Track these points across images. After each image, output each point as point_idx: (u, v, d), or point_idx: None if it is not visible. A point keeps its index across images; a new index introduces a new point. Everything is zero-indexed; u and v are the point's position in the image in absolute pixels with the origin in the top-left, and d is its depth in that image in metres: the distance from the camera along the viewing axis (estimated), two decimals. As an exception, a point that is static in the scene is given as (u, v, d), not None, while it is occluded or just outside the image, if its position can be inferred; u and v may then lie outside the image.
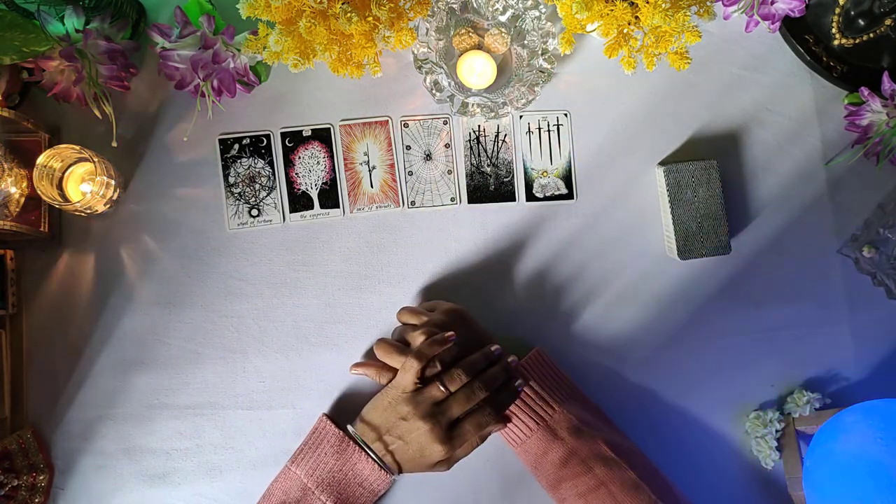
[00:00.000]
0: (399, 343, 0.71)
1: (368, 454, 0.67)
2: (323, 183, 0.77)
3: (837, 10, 0.79)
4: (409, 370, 0.66)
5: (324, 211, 0.77)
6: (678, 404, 0.76)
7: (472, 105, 0.73)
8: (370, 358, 0.74)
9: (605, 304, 0.77)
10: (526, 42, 0.75)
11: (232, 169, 0.76)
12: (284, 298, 0.76)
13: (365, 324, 0.76)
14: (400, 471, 0.68)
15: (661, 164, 0.77)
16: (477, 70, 0.75)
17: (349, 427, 0.69)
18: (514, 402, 0.67)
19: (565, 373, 0.73)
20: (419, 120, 0.77)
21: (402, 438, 0.66)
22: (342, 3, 0.65)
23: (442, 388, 0.65)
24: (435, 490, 0.74)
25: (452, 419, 0.65)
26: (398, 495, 0.73)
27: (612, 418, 0.73)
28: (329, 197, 0.77)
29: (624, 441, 0.70)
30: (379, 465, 0.67)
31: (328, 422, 0.70)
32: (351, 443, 0.68)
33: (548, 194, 0.78)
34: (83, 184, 0.73)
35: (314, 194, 0.77)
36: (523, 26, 0.75)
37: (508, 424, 0.69)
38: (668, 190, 0.74)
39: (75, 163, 0.73)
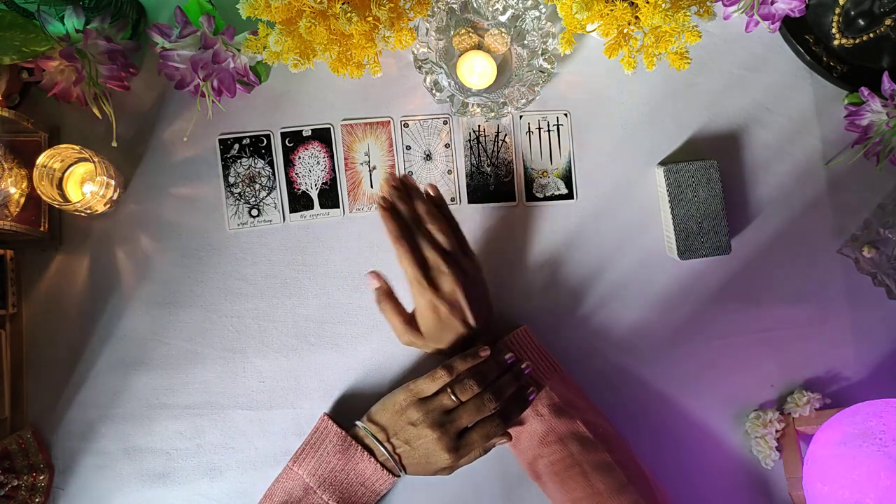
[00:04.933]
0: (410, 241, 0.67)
1: (374, 453, 0.67)
2: (323, 183, 0.77)
3: (837, 10, 0.79)
4: (436, 380, 0.65)
5: (324, 211, 0.77)
6: (678, 404, 0.76)
7: (472, 105, 0.73)
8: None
9: (605, 303, 0.77)
10: (526, 42, 0.75)
11: (232, 169, 0.76)
12: (284, 298, 0.76)
13: (365, 324, 0.76)
14: (404, 472, 0.68)
15: (661, 164, 0.77)
16: (477, 70, 0.75)
17: (359, 423, 0.69)
18: (524, 411, 0.67)
19: (551, 353, 0.73)
20: (419, 120, 0.77)
21: (408, 443, 0.65)
22: (342, 3, 0.65)
23: (453, 398, 0.64)
24: (435, 489, 0.74)
25: (460, 429, 0.65)
26: (399, 495, 0.73)
27: (611, 417, 0.73)
28: (329, 197, 0.77)
29: (604, 424, 0.69)
30: (384, 465, 0.67)
31: (330, 421, 0.70)
32: (354, 442, 0.68)
33: (548, 194, 0.78)
34: (83, 184, 0.73)
35: (314, 194, 0.77)
36: (523, 26, 0.75)
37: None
38: (668, 190, 0.74)
39: (75, 163, 0.73)
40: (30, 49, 0.66)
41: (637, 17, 0.68)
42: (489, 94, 0.74)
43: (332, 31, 0.67)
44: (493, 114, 0.74)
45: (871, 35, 0.79)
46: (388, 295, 0.70)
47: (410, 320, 0.69)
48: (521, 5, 0.73)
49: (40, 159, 0.68)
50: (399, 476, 0.68)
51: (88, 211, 0.71)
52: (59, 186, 0.72)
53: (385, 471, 0.67)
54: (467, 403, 0.65)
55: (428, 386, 0.66)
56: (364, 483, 0.68)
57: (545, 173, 0.78)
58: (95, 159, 0.69)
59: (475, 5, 0.75)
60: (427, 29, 0.73)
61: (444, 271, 0.66)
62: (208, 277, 0.75)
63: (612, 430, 0.70)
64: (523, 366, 0.67)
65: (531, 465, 0.69)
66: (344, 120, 0.77)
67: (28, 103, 0.75)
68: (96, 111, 0.71)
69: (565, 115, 0.78)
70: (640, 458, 0.69)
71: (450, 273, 0.66)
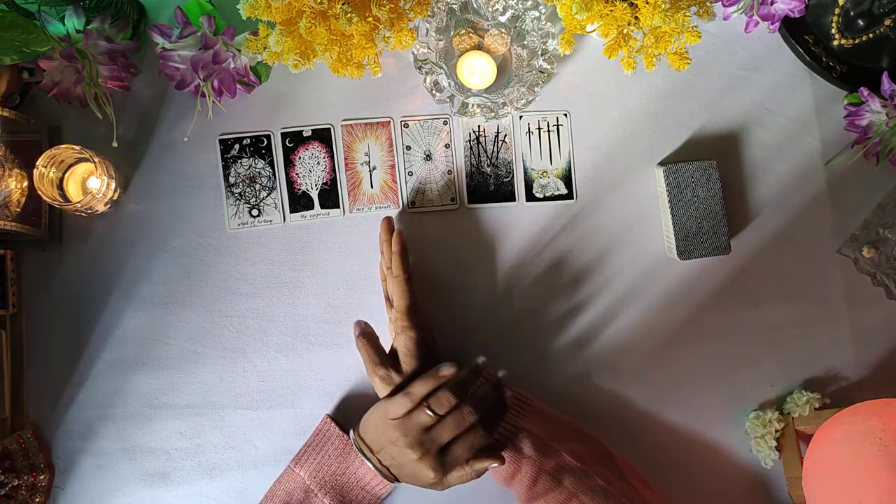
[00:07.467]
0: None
1: (369, 464, 0.67)
2: (323, 183, 0.77)
3: (837, 11, 0.79)
4: (399, 406, 0.63)
5: (324, 211, 0.77)
6: (678, 404, 0.76)
7: (472, 105, 0.73)
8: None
9: (606, 303, 0.77)
10: (526, 42, 0.75)
11: (232, 169, 0.76)
12: (284, 298, 0.76)
13: (365, 324, 0.76)
14: (398, 481, 0.67)
15: (661, 164, 0.77)
16: (477, 70, 0.75)
17: (351, 433, 0.68)
18: (504, 415, 0.65)
19: (518, 387, 0.72)
20: (419, 120, 0.78)
21: (394, 459, 0.64)
22: (342, 4, 0.65)
23: (429, 413, 0.61)
24: (435, 493, 0.73)
25: (442, 445, 0.62)
26: (399, 496, 0.73)
27: (610, 418, 0.73)
28: (329, 197, 0.77)
29: (588, 445, 0.69)
30: (380, 473, 0.67)
31: (332, 423, 0.70)
32: (354, 446, 0.68)
33: (548, 194, 0.78)
34: (84, 183, 0.73)
35: (314, 194, 0.77)
36: (523, 27, 0.75)
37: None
38: (667, 190, 0.74)
39: (75, 163, 0.73)
40: (30, 49, 0.67)
41: (637, 18, 0.68)
42: (489, 95, 0.74)
43: (333, 32, 0.67)
44: (493, 114, 0.74)
45: (871, 35, 0.79)
46: (369, 334, 0.70)
47: (387, 355, 0.68)
48: (521, 6, 0.74)
49: (40, 159, 0.68)
50: (398, 481, 0.67)
51: (89, 211, 0.71)
52: (60, 186, 0.72)
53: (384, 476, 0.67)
54: (446, 419, 0.61)
55: (393, 410, 0.63)
56: (364, 487, 0.68)
57: (545, 173, 0.78)
58: (96, 159, 0.69)
59: (475, 6, 0.75)
60: (427, 29, 0.73)
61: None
62: (208, 277, 0.75)
63: (598, 447, 0.69)
64: (500, 373, 0.66)
65: None
66: (344, 120, 0.77)
67: (28, 103, 0.75)
68: (96, 111, 0.71)
69: (565, 115, 0.78)
70: (637, 459, 0.69)
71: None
